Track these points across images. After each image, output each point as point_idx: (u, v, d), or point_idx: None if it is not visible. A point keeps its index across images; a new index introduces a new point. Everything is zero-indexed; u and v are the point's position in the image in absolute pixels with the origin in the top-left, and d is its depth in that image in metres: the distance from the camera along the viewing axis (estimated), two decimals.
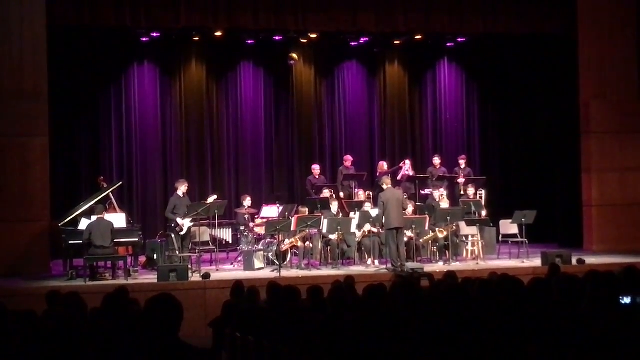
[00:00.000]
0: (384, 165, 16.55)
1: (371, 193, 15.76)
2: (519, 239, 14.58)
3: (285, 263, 13.74)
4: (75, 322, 5.04)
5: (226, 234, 15.04)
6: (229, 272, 13.58)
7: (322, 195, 15.14)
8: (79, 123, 16.61)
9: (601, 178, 16.23)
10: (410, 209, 14.53)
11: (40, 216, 13.90)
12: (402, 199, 13.63)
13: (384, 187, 13.63)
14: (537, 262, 13.83)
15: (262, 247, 14.07)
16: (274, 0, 15.43)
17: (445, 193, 15.36)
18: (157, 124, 17.13)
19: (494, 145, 18.83)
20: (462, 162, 16.80)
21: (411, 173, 16.33)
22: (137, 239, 13.68)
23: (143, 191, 16.99)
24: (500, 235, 15.07)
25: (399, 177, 16.23)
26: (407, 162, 16.64)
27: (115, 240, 12.84)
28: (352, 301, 6.91)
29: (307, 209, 14.42)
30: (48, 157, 14.14)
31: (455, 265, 13.61)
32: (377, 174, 16.38)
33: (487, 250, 14.80)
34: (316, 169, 16.60)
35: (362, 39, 17.41)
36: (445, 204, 14.87)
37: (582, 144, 16.45)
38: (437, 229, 14.20)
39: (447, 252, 14.15)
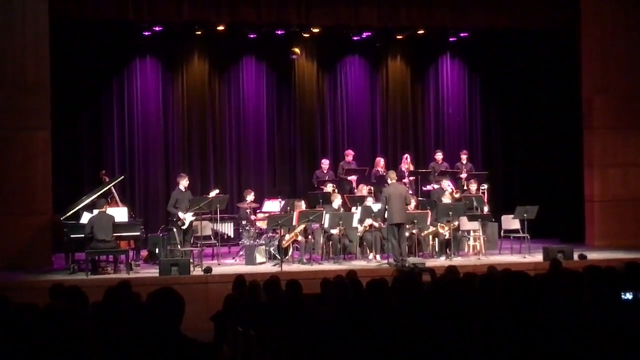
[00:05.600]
0: (380, 161, 16.52)
1: (372, 188, 15.75)
2: (521, 234, 14.56)
3: (287, 257, 13.75)
4: (77, 316, 5.03)
5: (228, 228, 15.06)
6: (231, 266, 13.59)
7: (324, 190, 15.14)
8: (81, 117, 16.62)
9: (603, 173, 16.22)
10: (413, 204, 14.52)
11: (43, 210, 13.91)
12: (406, 194, 13.61)
13: (389, 181, 13.67)
14: (538, 257, 13.84)
15: (263, 242, 14.07)
16: None
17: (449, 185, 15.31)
18: (159, 118, 17.13)
19: (496, 140, 18.81)
20: (464, 157, 16.77)
21: (411, 168, 16.32)
22: (138, 233, 13.72)
23: (145, 185, 17.00)
24: (502, 231, 15.02)
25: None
26: (407, 156, 16.61)
27: (116, 234, 12.86)
28: (353, 296, 6.92)
29: (303, 203, 14.44)
30: (50, 151, 14.13)
31: (457, 260, 13.60)
32: (375, 170, 16.35)
33: (488, 246, 14.81)
34: (325, 163, 16.50)
35: (364, 34, 17.40)
36: (447, 199, 14.85)
37: (584, 139, 16.43)
38: (438, 225, 14.19)
39: (448, 248, 14.14)
